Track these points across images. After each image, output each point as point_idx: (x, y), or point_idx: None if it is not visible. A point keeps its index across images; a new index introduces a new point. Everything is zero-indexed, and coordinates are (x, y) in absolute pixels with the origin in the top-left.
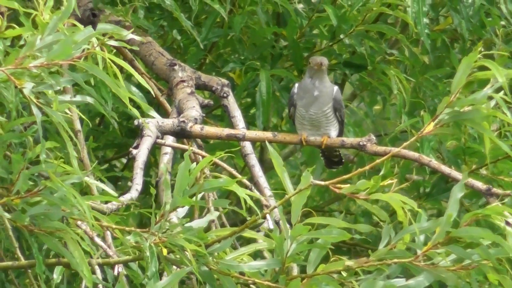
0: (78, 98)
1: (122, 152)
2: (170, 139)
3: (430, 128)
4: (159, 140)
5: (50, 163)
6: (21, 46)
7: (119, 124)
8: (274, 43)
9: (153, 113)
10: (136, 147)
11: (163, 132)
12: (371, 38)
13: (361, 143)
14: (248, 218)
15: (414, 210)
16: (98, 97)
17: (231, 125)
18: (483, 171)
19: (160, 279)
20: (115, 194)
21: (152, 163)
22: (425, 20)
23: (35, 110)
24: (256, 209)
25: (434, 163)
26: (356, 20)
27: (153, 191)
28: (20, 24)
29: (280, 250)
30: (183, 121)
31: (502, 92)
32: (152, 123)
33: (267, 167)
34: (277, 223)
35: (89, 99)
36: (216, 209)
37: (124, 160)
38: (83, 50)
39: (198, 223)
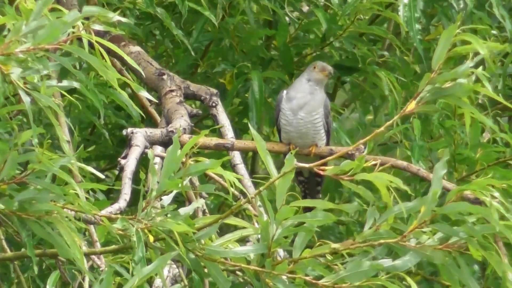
0: (65, 83)
1: (114, 163)
2: (159, 149)
3: (412, 106)
4: (147, 150)
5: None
6: (5, 36)
7: (111, 135)
8: (264, 49)
9: (143, 92)
10: (125, 157)
11: (152, 142)
12: (362, 41)
13: (349, 152)
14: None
15: (402, 190)
16: (87, 81)
17: (220, 135)
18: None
19: None
20: (102, 176)
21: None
22: (417, 26)
23: (23, 95)
24: (241, 195)
25: (423, 171)
26: (346, 23)
27: (142, 176)
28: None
29: (266, 234)
30: (172, 131)
31: (481, 68)
32: (140, 133)
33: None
34: None
35: (75, 84)
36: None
37: (116, 172)
38: (69, 34)
39: (184, 210)
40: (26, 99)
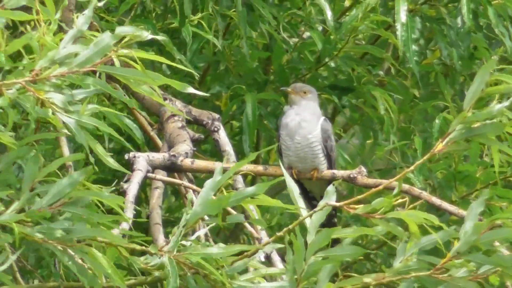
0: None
1: (112, 187)
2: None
3: (441, 147)
4: (149, 174)
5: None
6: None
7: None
8: (260, 72)
9: None
10: (127, 181)
11: (154, 166)
12: (358, 61)
13: (351, 175)
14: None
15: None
16: (129, 101)
17: (222, 159)
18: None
19: None
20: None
21: (143, 199)
22: (414, 47)
23: (65, 119)
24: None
25: (425, 194)
26: (342, 43)
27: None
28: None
29: (299, 263)
30: (174, 155)
31: None
32: (143, 157)
33: None
34: (267, 257)
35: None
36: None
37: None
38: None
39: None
40: (69, 120)
